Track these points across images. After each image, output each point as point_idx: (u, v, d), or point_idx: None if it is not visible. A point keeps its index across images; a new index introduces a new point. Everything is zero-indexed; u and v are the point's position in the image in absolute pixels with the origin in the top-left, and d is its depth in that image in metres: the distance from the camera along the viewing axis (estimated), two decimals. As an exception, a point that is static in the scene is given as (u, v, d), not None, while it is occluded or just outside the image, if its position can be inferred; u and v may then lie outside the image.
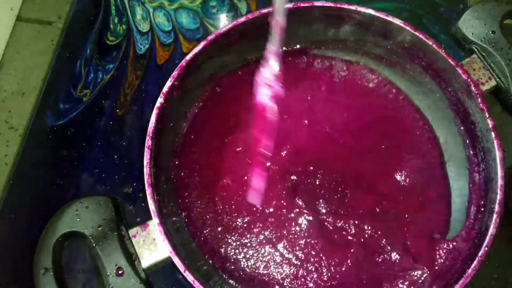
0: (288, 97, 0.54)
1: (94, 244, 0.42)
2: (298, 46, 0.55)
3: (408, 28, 0.48)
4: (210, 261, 0.48)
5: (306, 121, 0.53)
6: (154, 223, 0.42)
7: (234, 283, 0.48)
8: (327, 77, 0.56)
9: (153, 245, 0.43)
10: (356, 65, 0.56)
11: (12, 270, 0.52)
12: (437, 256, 0.47)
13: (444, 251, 0.47)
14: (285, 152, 0.51)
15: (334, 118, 0.53)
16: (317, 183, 0.50)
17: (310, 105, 0.54)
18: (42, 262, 0.41)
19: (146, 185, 0.43)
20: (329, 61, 0.56)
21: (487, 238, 0.42)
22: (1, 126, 0.59)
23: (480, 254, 0.42)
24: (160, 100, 0.46)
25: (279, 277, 0.48)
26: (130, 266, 0.42)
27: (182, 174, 0.51)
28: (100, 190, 0.54)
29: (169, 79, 0.47)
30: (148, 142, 0.45)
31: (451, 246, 0.47)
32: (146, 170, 0.44)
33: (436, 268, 0.47)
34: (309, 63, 0.56)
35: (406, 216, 0.49)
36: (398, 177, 0.51)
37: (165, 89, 0.46)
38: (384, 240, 0.48)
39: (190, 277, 0.41)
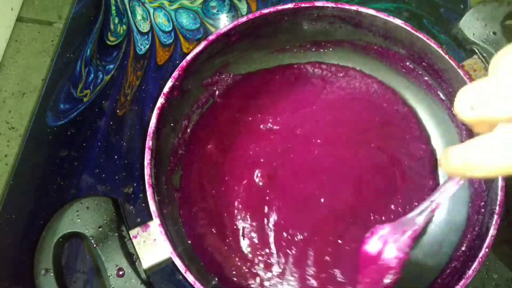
0: (287, 96, 0.55)
1: (94, 245, 0.42)
2: (297, 45, 0.55)
3: (408, 28, 0.48)
4: (202, 263, 0.48)
5: (303, 124, 0.53)
6: (155, 224, 0.42)
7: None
8: (326, 77, 0.56)
9: (153, 245, 0.43)
10: (354, 66, 0.56)
11: (13, 271, 0.52)
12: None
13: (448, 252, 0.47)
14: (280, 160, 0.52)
15: (333, 120, 0.54)
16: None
17: (309, 106, 0.54)
18: (42, 263, 0.41)
19: (147, 186, 0.43)
20: (328, 63, 0.56)
21: (488, 239, 0.42)
22: (2, 126, 0.59)
23: (480, 255, 0.42)
24: (160, 100, 0.46)
25: None
26: (130, 267, 0.42)
27: (183, 174, 0.51)
28: (100, 191, 0.54)
29: (170, 80, 0.47)
30: (149, 142, 0.45)
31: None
32: (146, 171, 0.44)
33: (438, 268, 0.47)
34: (309, 63, 0.56)
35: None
36: (395, 181, 0.51)
37: (166, 89, 0.46)
38: None
39: (190, 278, 0.41)
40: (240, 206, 0.50)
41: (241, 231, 0.49)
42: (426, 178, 0.52)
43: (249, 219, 0.50)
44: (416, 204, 0.49)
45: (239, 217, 0.50)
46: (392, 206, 0.50)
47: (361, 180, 0.51)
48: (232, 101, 0.54)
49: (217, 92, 0.55)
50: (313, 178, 0.51)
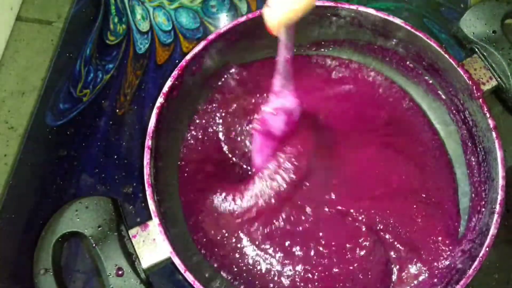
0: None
1: (94, 244, 0.42)
2: (298, 45, 0.55)
3: (408, 27, 0.48)
4: (208, 259, 0.48)
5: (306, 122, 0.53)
6: (154, 223, 0.42)
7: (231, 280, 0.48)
8: (326, 77, 0.56)
9: (153, 245, 0.43)
10: (356, 64, 0.56)
11: (12, 271, 0.51)
12: (440, 257, 0.47)
13: (447, 252, 0.47)
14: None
15: (334, 118, 0.53)
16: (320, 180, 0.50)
17: (310, 106, 0.54)
18: (42, 263, 0.41)
19: (146, 185, 0.43)
20: (329, 60, 0.56)
21: (488, 238, 0.42)
22: (1, 126, 0.58)
23: (481, 254, 0.42)
24: (160, 100, 0.46)
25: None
26: (130, 267, 0.42)
27: (182, 174, 0.51)
28: (100, 190, 0.54)
29: (169, 79, 0.46)
30: (148, 142, 0.45)
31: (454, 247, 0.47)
32: (146, 170, 0.44)
33: (437, 268, 0.47)
34: (309, 63, 0.56)
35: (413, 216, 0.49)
36: (400, 177, 0.51)
37: (165, 89, 0.46)
38: (390, 238, 0.48)
39: (190, 278, 0.41)
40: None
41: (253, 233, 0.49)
42: (442, 169, 0.51)
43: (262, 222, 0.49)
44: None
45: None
46: (413, 204, 0.49)
47: (377, 179, 0.50)
48: (232, 99, 0.54)
49: (216, 92, 0.54)
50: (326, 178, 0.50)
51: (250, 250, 0.48)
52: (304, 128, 0.50)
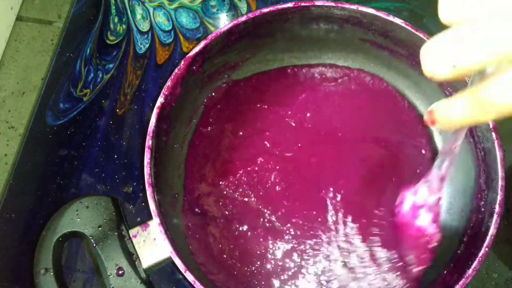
0: (288, 97, 0.55)
1: (94, 244, 0.42)
2: (298, 44, 0.55)
3: (409, 27, 0.48)
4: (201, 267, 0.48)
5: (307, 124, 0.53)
6: (155, 223, 0.42)
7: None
8: (324, 76, 0.56)
9: (153, 245, 0.43)
10: (356, 64, 0.56)
11: (12, 270, 0.52)
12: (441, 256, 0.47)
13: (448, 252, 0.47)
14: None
15: (336, 117, 0.54)
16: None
17: (311, 108, 0.54)
18: (42, 262, 0.41)
19: (147, 185, 0.43)
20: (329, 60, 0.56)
21: (488, 238, 0.42)
22: (1, 125, 0.59)
23: (480, 254, 0.42)
24: (160, 99, 0.46)
25: None
26: (130, 266, 0.42)
27: (183, 174, 0.51)
28: (100, 190, 0.54)
29: (169, 79, 0.47)
30: (149, 141, 0.45)
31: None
32: (146, 170, 0.44)
33: (437, 267, 0.47)
34: (309, 65, 0.56)
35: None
36: (395, 181, 0.51)
37: (165, 88, 0.46)
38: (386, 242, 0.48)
39: (190, 277, 0.41)
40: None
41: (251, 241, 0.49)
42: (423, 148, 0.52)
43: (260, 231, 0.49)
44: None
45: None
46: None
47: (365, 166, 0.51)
48: (232, 98, 0.54)
49: (215, 93, 0.55)
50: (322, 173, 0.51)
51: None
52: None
